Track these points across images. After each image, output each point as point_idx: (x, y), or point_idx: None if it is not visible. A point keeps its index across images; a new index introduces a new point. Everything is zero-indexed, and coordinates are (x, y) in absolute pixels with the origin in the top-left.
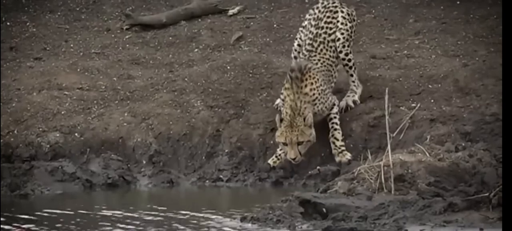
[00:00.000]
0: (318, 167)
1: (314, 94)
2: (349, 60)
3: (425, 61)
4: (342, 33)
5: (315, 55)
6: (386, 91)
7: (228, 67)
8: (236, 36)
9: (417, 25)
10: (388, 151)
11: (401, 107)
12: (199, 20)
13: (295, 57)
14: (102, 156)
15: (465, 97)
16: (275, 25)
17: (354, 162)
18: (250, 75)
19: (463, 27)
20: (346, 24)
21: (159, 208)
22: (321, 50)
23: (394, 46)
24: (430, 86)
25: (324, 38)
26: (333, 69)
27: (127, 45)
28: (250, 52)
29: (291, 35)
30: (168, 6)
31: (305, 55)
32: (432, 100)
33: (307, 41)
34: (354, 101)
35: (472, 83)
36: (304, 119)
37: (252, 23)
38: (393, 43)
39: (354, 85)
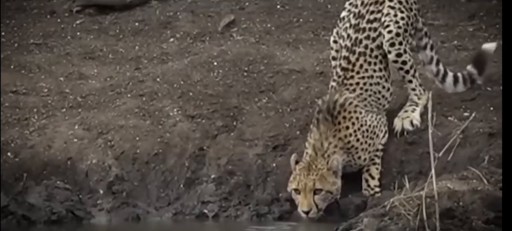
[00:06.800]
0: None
1: (350, 141)
2: (404, 62)
3: None
4: (389, 29)
5: (352, 77)
6: (429, 95)
7: (215, 64)
8: (226, 21)
9: (471, 6)
10: (432, 177)
11: (449, 118)
12: None
13: (334, 59)
14: (44, 183)
15: None
16: (278, 6)
17: (386, 192)
18: (245, 74)
19: None
20: (397, 15)
21: None
22: (361, 66)
23: (441, 34)
24: (489, 88)
25: (366, 46)
26: (383, 87)
27: (78, 34)
28: (245, 42)
29: (301, 20)
30: None
31: (340, 77)
32: (492, 108)
33: (343, 53)
34: (412, 123)
35: None
36: (328, 162)
37: (247, 4)
38: (439, 30)
39: (415, 95)
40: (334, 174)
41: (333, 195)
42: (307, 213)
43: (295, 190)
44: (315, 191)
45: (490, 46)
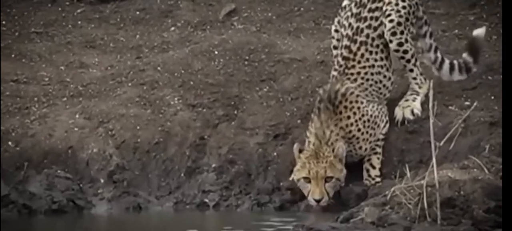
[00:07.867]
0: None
1: (351, 131)
2: (405, 52)
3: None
4: (391, 18)
5: (353, 66)
6: (430, 84)
7: (216, 52)
8: (227, 9)
9: None
10: (433, 166)
11: (450, 107)
12: None
13: (335, 48)
14: (45, 172)
15: None
16: None
17: (386, 181)
18: (246, 63)
19: None
20: (398, 4)
21: None
22: (362, 55)
23: (442, 23)
24: (489, 77)
25: (368, 36)
26: (384, 76)
27: (79, 22)
28: (246, 31)
29: (301, 9)
30: None
31: (341, 67)
32: (493, 97)
33: (344, 42)
34: (413, 112)
35: None
36: (333, 150)
37: None
38: (439, 19)
39: (416, 83)
40: (340, 161)
41: (340, 182)
42: (319, 201)
43: (305, 178)
44: (326, 179)
45: (480, 31)
